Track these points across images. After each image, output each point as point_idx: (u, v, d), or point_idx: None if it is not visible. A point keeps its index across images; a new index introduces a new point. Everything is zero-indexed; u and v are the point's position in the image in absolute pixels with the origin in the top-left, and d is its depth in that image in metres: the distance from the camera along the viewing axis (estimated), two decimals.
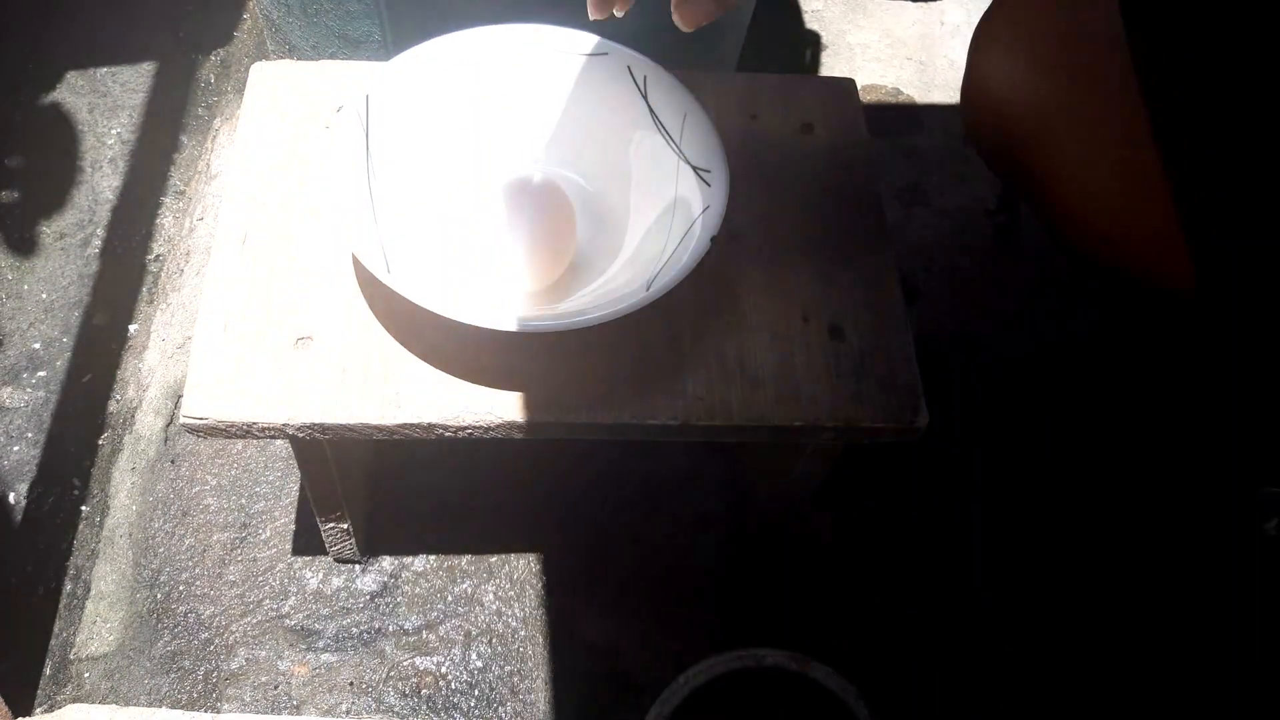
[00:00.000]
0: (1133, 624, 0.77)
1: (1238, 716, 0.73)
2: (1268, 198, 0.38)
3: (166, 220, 0.95)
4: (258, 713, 0.71)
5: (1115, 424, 0.85)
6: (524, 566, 0.77)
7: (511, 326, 0.52)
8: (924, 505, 0.82)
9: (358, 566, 0.77)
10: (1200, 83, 0.38)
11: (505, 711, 0.72)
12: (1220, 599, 0.77)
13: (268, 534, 0.78)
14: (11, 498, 0.80)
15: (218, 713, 0.70)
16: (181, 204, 0.96)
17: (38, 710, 0.72)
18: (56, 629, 0.75)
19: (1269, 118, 0.37)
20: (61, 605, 0.76)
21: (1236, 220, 0.39)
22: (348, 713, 0.71)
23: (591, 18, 0.52)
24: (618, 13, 0.53)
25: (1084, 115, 0.44)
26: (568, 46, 0.63)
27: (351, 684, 0.72)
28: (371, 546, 0.77)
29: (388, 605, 0.75)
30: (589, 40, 0.63)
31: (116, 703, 0.71)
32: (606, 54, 0.62)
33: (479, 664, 0.74)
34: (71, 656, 0.74)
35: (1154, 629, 0.77)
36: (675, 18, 0.49)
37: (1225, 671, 0.75)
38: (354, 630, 0.74)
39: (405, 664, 0.73)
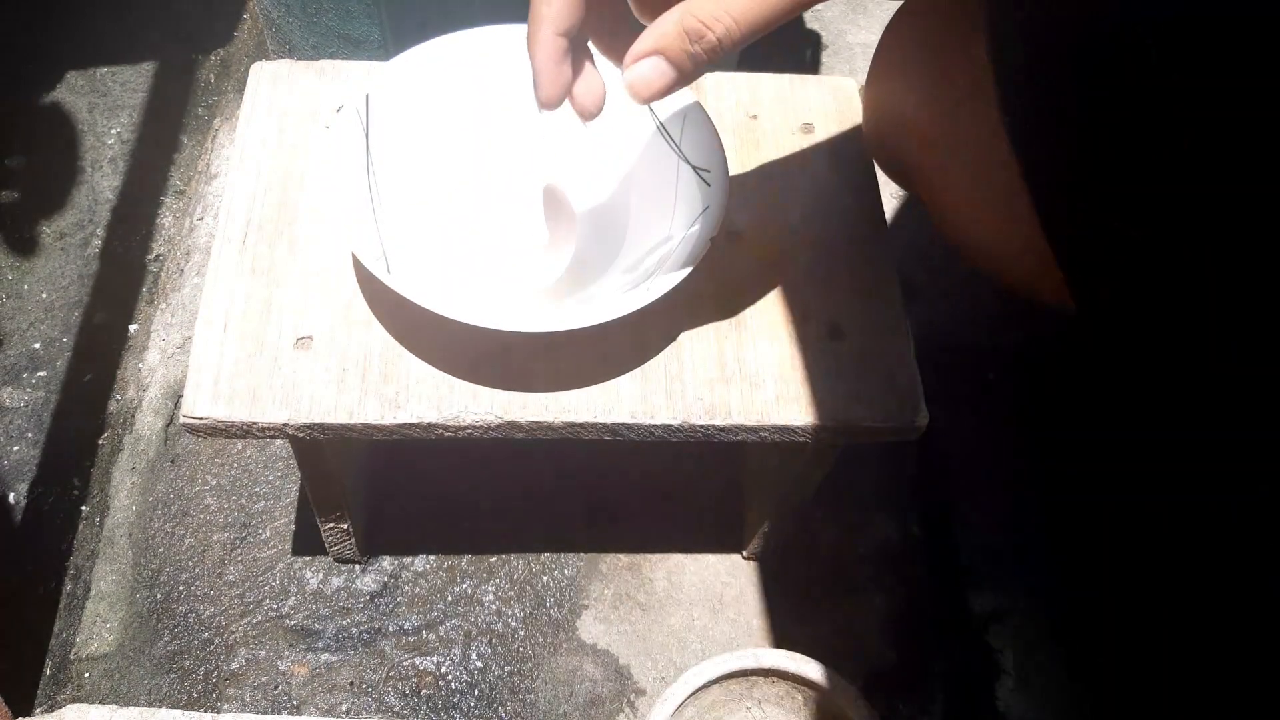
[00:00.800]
0: (1131, 621, 0.77)
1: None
2: (1145, 228, 0.39)
3: (166, 220, 0.95)
4: (258, 713, 0.71)
5: (1115, 422, 0.85)
6: (524, 566, 0.77)
7: (511, 326, 0.52)
8: (924, 505, 0.82)
9: (358, 566, 0.77)
10: (1070, 113, 0.39)
11: (505, 711, 0.72)
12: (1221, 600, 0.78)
13: (268, 534, 0.78)
14: (11, 498, 0.80)
15: (218, 713, 0.70)
16: (181, 204, 0.96)
17: (38, 710, 0.72)
18: (56, 629, 0.75)
19: (1139, 152, 0.38)
20: (61, 605, 0.76)
21: (1115, 244, 0.40)
22: (348, 713, 0.71)
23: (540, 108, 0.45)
24: (583, 121, 0.46)
25: (956, 149, 0.45)
26: None
27: (351, 684, 0.72)
28: (371, 546, 0.77)
29: (388, 605, 0.75)
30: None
31: (116, 703, 0.71)
32: None
33: (479, 664, 0.74)
34: (71, 656, 0.74)
35: (1154, 628, 0.77)
36: (626, 87, 0.41)
37: (1226, 675, 0.75)
38: (354, 630, 0.74)
39: (405, 664, 0.73)
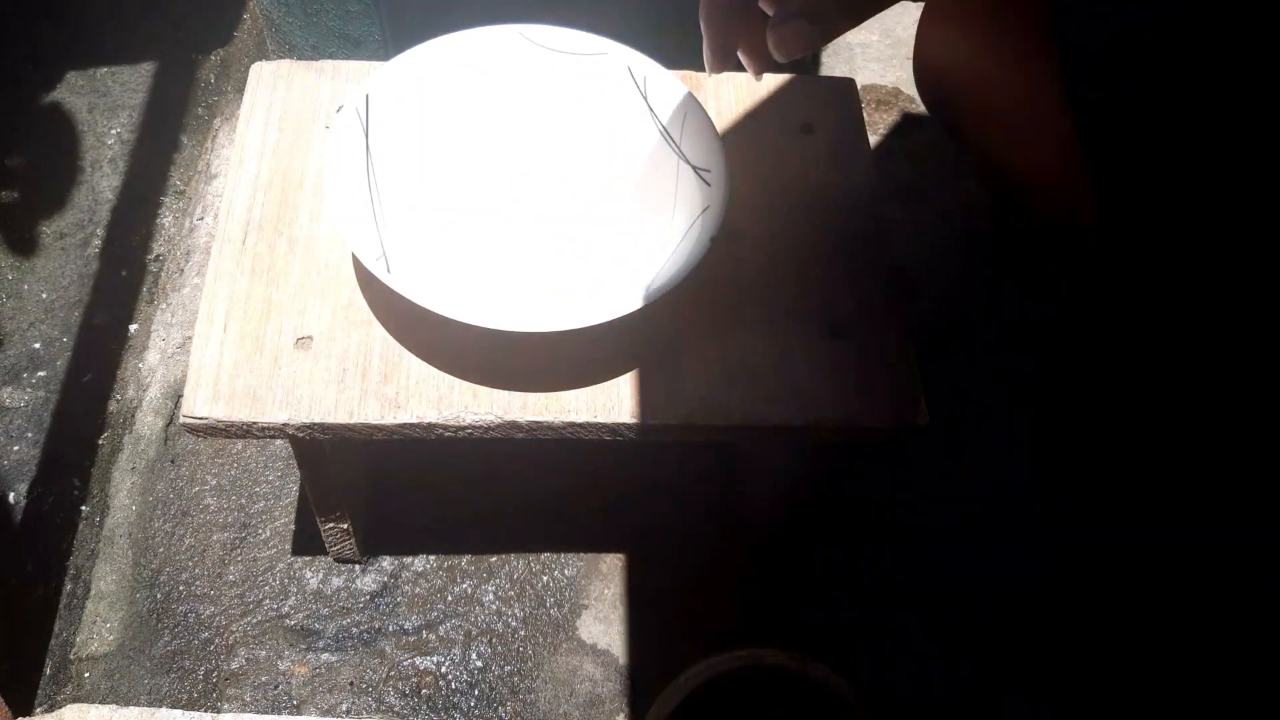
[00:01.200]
0: (1130, 619, 0.77)
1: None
2: (1180, 159, 0.41)
3: (166, 220, 0.95)
4: (258, 713, 0.71)
5: (1116, 423, 0.85)
6: (524, 566, 0.77)
7: (511, 326, 0.52)
8: (923, 503, 0.82)
9: (358, 566, 0.77)
10: (1120, 50, 0.41)
11: (505, 711, 0.72)
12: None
13: (268, 534, 0.78)
14: (11, 498, 0.80)
15: (218, 713, 0.70)
16: (181, 204, 0.96)
17: (38, 710, 0.72)
18: (56, 629, 0.75)
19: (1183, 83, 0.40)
20: (61, 605, 0.76)
21: (1147, 172, 0.42)
22: (348, 713, 0.72)
23: (711, 72, 0.49)
24: (754, 76, 0.50)
25: (1008, 79, 0.47)
26: (568, 47, 0.63)
27: (351, 684, 0.72)
28: (371, 546, 0.77)
29: (388, 605, 0.75)
30: (589, 41, 0.63)
31: (116, 703, 0.71)
32: (606, 54, 0.62)
33: (479, 664, 0.74)
34: (71, 656, 0.74)
35: (1157, 626, 0.77)
36: (771, 45, 0.45)
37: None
38: (354, 630, 0.74)
39: (405, 664, 0.73)
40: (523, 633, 0.75)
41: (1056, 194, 0.47)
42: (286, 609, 0.75)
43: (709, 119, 0.60)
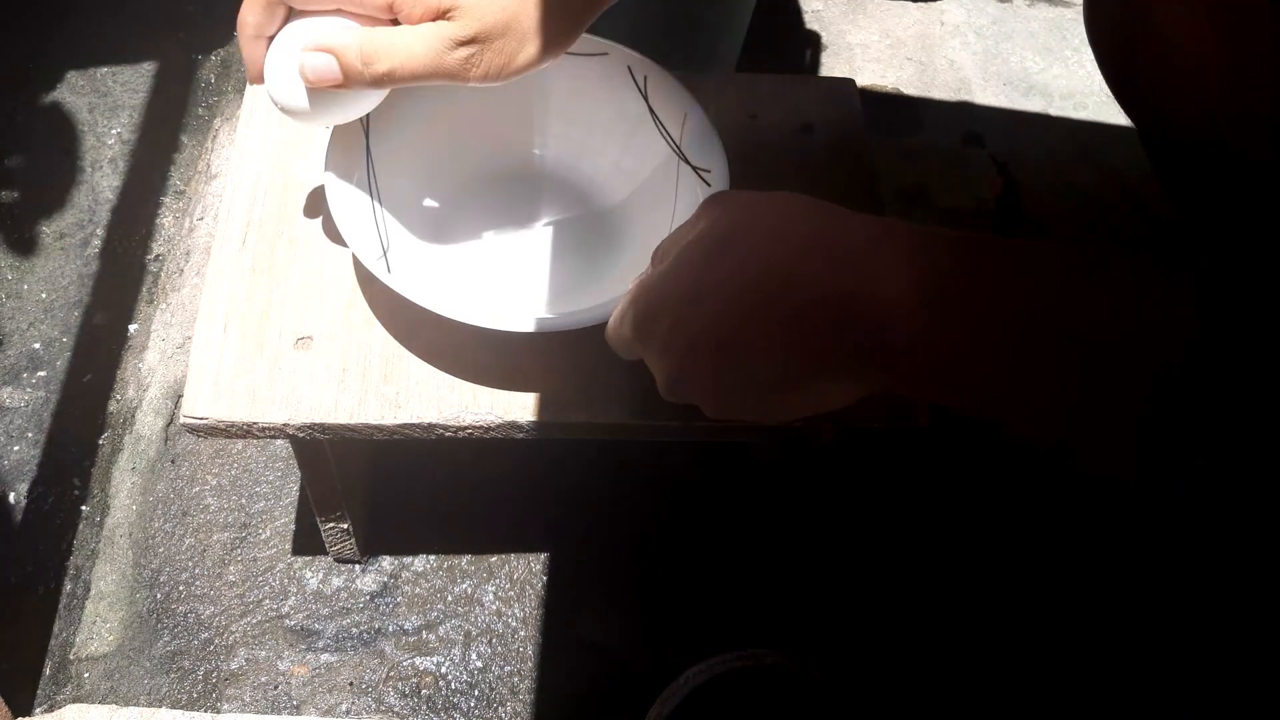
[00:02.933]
0: (1132, 620, 0.77)
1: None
2: None
3: (166, 220, 0.95)
4: (258, 713, 0.71)
5: None
6: (524, 566, 0.77)
7: (511, 326, 0.52)
8: (923, 503, 0.82)
9: (358, 566, 0.77)
10: None
11: (505, 711, 0.72)
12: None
13: (268, 534, 0.78)
14: (11, 498, 0.80)
15: (218, 713, 0.70)
16: (181, 204, 0.96)
17: (38, 710, 0.72)
18: (56, 629, 0.75)
19: None
20: (61, 605, 0.76)
21: None
22: (348, 713, 0.72)
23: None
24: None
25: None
26: None
27: (351, 684, 0.72)
28: (371, 546, 0.77)
29: (388, 605, 0.75)
30: (589, 41, 0.63)
31: (116, 703, 0.71)
32: (606, 54, 0.62)
33: (479, 664, 0.74)
34: (71, 656, 0.74)
35: (1160, 627, 0.77)
36: (298, 65, 0.50)
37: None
38: (354, 630, 0.74)
39: (405, 664, 0.73)
40: (523, 633, 0.75)
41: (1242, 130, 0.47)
42: (286, 609, 0.75)
43: (709, 119, 0.60)
